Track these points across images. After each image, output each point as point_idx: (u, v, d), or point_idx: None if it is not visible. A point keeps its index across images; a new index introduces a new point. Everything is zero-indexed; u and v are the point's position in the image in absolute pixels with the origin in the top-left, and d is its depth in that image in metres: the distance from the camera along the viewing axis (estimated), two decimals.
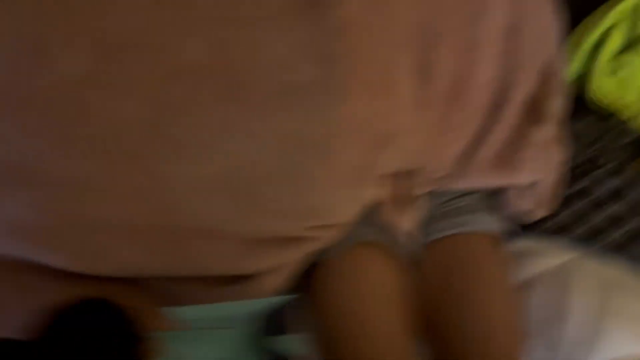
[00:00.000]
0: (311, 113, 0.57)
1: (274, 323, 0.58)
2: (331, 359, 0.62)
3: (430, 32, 0.63)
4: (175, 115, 0.57)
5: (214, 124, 0.57)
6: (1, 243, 0.56)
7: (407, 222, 0.68)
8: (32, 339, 0.46)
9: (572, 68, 0.81)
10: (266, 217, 0.60)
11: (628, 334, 0.61)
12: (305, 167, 0.59)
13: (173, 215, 0.59)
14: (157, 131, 0.57)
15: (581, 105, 0.81)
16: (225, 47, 0.55)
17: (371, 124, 0.60)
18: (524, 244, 0.73)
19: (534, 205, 0.73)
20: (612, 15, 0.78)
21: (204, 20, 0.55)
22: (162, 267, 0.60)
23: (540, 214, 0.73)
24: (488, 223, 0.70)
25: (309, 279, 0.68)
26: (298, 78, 0.57)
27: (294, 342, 0.48)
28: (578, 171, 0.75)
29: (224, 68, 0.56)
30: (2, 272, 0.58)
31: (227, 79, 0.56)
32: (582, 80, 0.81)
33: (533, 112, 0.71)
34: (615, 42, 0.78)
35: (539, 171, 0.71)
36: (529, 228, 0.74)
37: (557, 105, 0.74)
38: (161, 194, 0.58)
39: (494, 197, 0.75)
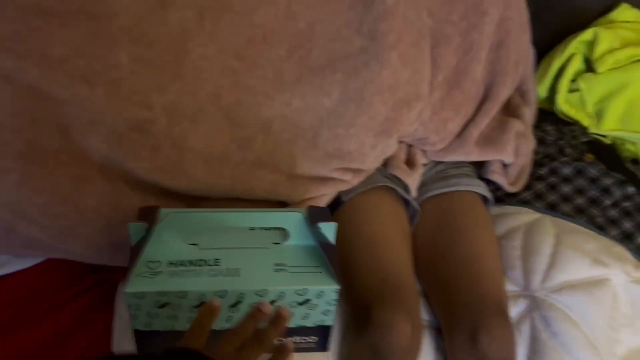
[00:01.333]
0: (359, 73, 0.75)
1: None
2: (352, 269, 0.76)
3: (440, 34, 0.84)
4: (251, 68, 0.72)
5: (284, 77, 0.74)
6: (108, 151, 0.70)
7: (413, 180, 0.86)
8: None
9: (543, 86, 1.03)
10: (317, 157, 0.76)
11: (580, 261, 0.77)
12: (352, 114, 0.76)
13: (245, 148, 0.73)
14: (236, 79, 0.73)
15: (552, 114, 1.03)
16: (295, 17, 0.73)
17: (401, 86, 0.78)
18: (504, 208, 0.90)
19: (510, 180, 0.92)
20: (573, 45, 1.01)
21: None
22: (227, 189, 0.74)
23: (514, 188, 0.92)
24: (476, 185, 0.88)
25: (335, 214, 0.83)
26: (351, 47, 0.75)
27: (332, 229, 0.57)
28: (550, 157, 0.95)
29: (292, 35, 0.74)
30: (103, 178, 0.72)
31: (294, 43, 0.74)
32: (552, 96, 1.03)
33: (511, 113, 0.93)
34: (575, 66, 1.01)
35: (514, 153, 0.90)
36: (510, 197, 0.92)
37: (529, 112, 0.95)
38: (236, 131, 0.73)
39: (479, 172, 0.94)
